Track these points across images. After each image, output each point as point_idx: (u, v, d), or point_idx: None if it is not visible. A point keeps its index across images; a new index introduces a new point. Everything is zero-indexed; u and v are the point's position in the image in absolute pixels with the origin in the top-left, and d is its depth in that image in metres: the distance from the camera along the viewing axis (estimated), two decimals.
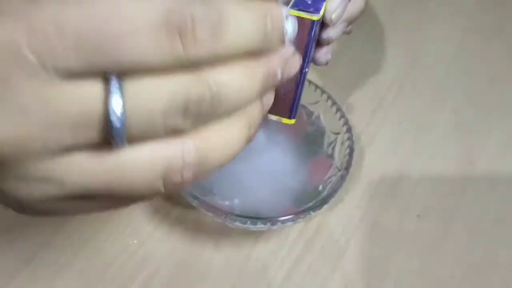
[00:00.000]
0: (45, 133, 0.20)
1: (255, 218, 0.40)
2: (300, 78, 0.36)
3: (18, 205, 0.23)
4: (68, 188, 0.22)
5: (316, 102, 0.47)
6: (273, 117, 0.37)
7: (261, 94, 0.24)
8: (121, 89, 0.20)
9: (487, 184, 0.49)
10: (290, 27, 0.24)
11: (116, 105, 0.20)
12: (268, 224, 0.40)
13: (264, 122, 0.32)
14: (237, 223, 0.40)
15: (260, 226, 0.40)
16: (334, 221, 0.47)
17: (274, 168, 0.46)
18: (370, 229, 0.46)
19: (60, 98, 0.20)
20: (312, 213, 0.41)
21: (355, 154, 0.48)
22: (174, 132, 0.22)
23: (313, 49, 0.36)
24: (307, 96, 0.48)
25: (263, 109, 0.25)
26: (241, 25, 0.22)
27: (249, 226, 0.40)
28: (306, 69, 0.36)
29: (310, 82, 0.48)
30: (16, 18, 0.19)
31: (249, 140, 0.24)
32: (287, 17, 0.24)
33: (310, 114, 0.48)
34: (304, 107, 0.48)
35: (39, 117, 0.20)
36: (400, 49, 0.57)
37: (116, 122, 0.20)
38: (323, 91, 0.47)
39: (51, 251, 0.43)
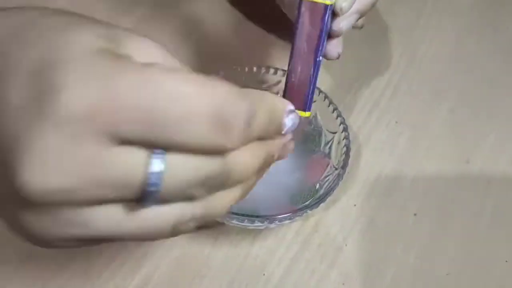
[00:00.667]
0: (91, 188, 0.23)
1: (253, 216, 0.40)
2: (314, 69, 0.36)
3: (33, 238, 0.26)
4: (92, 233, 0.24)
5: (313, 102, 0.48)
6: None
7: (260, 171, 0.28)
8: (164, 160, 0.23)
9: (483, 183, 0.50)
10: (290, 122, 0.28)
11: (157, 172, 0.23)
12: (266, 222, 0.41)
13: None
14: (235, 221, 0.41)
15: (257, 224, 0.41)
16: (331, 219, 0.47)
17: (272, 167, 0.47)
18: (367, 227, 0.47)
19: (110, 159, 0.22)
20: (309, 212, 0.42)
21: (352, 153, 0.48)
22: (189, 197, 0.25)
23: (326, 37, 0.36)
24: None
25: (257, 178, 0.29)
26: (261, 120, 0.26)
27: (246, 224, 0.41)
28: (320, 58, 0.36)
29: None
30: (98, 82, 0.22)
31: (240, 200, 0.29)
32: (289, 113, 0.28)
33: None
34: None
35: (91, 174, 0.22)
36: (397, 49, 0.58)
37: (153, 187, 0.23)
38: (320, 91, 0.47)
39: (49, 250, 0.44)
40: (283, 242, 0.46)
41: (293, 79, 0.37)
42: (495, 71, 0.57)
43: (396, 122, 0.53)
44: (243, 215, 0.40)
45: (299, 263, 0.45)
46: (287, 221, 0.41)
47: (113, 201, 0.24)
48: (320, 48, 0.36)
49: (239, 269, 0.44)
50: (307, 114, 0.38)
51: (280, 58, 0.56)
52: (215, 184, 0.25)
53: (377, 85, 0.55)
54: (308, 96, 0.37)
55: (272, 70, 0.48)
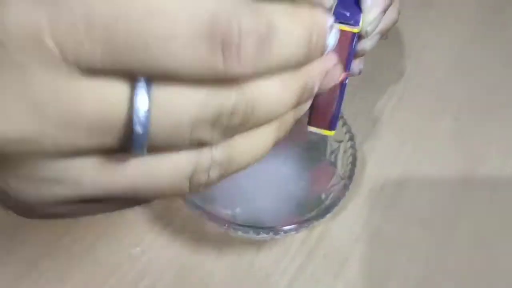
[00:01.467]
0: (58, 131, 0.18)
1: (258, 227, 0.40)
2: (341, 91, 0.36)
3: (24, 208, 0.22)
4: (85, 190, 0.20)
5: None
6: (313, 129, 0.38)
7: (296, 106, 0.23)
8: (148, 93, 0.18)
9: (489, 190, 0.49)
10: (333, 39, 0.23)
11: (141, 109, 0.18)
12: (271, 233, 0.40)
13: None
14: (240, 233, 0.40)
15: (262, 235, 0.40)
16: (336, 229, 0.47)
17: (276, 176, 0.46)
18: (373, 236, 0.46)
19: (78, 95, 0.18)
20: (315, 223, 0.41)
21: (357, 161, 0.48)
22: (199, 143, 0.20)
23: (352, 60, 0.37)
24: None
25: (296, 114, 0.24)
26: (288, 39, 0.20)
27: (251, 235, 0.40)
28: (346, 81, 0.36)
29: None
30: (41, 0, 0.17)
31: (278, 142, 0.23)
32: (331, 28, 0.23)
33: None
34: (305, 114, 0.48)
35: (53, 113, 0.18)
36: (401, 57, 0.57)
37: (139, 129, 0.18)
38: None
39: (51, 261, 0.43)
40: (288, 253, 0.45)
41: (319, 100, 0.37)
42: (499, 78, 0.57)
43: (401, 130, 0.52)
44: (248, 226, 0.39)
45: (304, 274, 0.44)
46: (292, 232, 0.41)
47: (92, 150, 0.19)
48: (348, 71, 0.37)
49: (243, 279, 0.44)
50: (332, 133, 0.38)
51: None
52: (232, 123, 0.20)
53: (381, 94, 0.54)
54: (334, 117, 0.38)
55: None
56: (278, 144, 0.25)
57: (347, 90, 0.36)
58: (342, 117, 0.46)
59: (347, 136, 0.45)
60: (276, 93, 0.21)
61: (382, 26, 0.40)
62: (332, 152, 0.46)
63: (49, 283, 0.42)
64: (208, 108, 0.19)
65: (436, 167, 0.50)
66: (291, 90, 0.22)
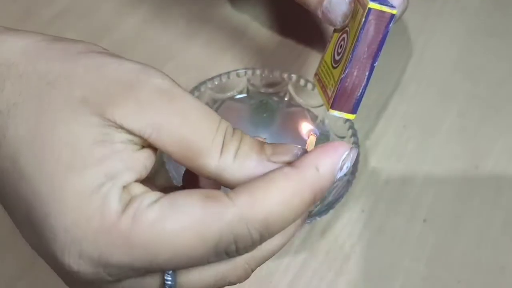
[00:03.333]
0: None
1: None
2: (369, 73, 0.37)
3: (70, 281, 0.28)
4: None
5: (320, 106, 0.47)
6: (335, 113, 0.38)
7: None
8: (174, 279, 0.27)
9: (494, 188, 0.49)
10: (348, 166, 0.27)
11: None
12: None
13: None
14: None
15: None
16: (339, 226, 0.46)
17: None
18: (376, 234, 0.46)
19: None
20: (318, 219, 0.41)
21: (360, 157, 0.48)
22: None
23: (385, 42, 0.37)
24: (311, 100, 0.47)
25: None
26: (284, 223, 0.26)
27: None
28: (376, 64, 0.37)
29: (314, 85, 0.47)
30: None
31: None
32: (350, 158, 0.27)
33: (314, 118, 0.48)
34: (308, 111, 0.48)
35: None
36: (404, 53, 0.57)
37: None
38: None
39: None
40: (290, 249, 0.45)
41: (347, 83, 0.37)
42: (504, 74, 0.56)
43: (404, 127, 0.52)
44: None
45: (306, 271, 0.44)
46: None
47: None
48: (379, 54, 0.37)
49: None
50: (353, 116, 0.38)
51: (286, 61, 0.55)
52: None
53: (384, 89, 0.54)
54: (359, 100, 0.38)
55: (277, 73, 0.48)
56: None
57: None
58: None
59: (350, 132, 0.44)
60: (277, 246, 0.31)
61: (400, 13, 0.41)
62: None
63: (49, 280, 0.42)
64: (219, 281, 0.29)
65: (440, 163, 0.50)
66: (289, 236, 0.31)
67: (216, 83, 0.47)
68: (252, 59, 0.55)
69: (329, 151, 0.27)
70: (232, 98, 0.48)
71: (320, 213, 0.40)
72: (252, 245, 0.26)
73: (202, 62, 0.55)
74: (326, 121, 0.47)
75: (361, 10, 0.37)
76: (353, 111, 0.38)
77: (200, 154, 0.26)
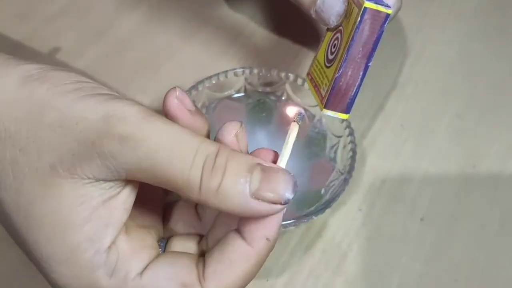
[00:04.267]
0: None
1: None
2: (363, 73, 0.37)
3: None
4: None
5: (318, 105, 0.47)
6: (329, 113, 0.38)
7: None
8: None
9: (491, 187, 0.49)
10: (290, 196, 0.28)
11: None
12: None
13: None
14: None
15: None
16: (335, 224, 0.46)
17: None
18: (373, 232, 0.46)
19: None
20: (315, 218, 0.41)
21: (357, 158, 0.48)
22: None
23: (380, 41, 0.37)
24: (309, 99, 0.47)
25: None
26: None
27: None
28: (370, 63, 0.37)
29: None
30: None
31: None
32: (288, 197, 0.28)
33: (311, 117, 0.48)
34: (305, 110, 0.48)
35: None
36: (401, 52, 0.57)
37: None
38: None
39: None
40: (287, 248, 0.45)
41: (341, 83, 0.37)
42: (501, 74, 0.56)
43: (402, 126, 0.52)
44: None
45: (303, 270, 0.44)
46: (291, 227, 0.41)
47: None
48: (373, 54, 0.37)
49: None
50: (347, 116, 0.38)
51: (283, 60, 0.55)
52: None
53: (381, 88, 0.54)
54: (353, 100, 0.38)
55: (275, 72, 0.48)
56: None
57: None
58: None
59: (347, 131, 0.44)
60: None
61: (393, 13, 0.41)
62: (331, 148, 0.46)
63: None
64: None
65: (438, 163, 0.50)
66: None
67: (214, 82, 0.47)
68: (249, 58, 0.56)
69: (274, 219, 0.29)
70: (229, 97, 0.48)
71: (317, 212, 0.40)
72: None
73: (200, 61, 0.55)
74: (323, 121, 0.47)
75: (356, 10, 0.37)
76: (347, 111, 0.38)
77: (179, 188, 0.27)
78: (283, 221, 0.39)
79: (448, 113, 0.53)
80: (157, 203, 0.32)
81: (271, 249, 0.29)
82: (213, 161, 0.27)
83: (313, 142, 0.47)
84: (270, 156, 0.30)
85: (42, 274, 0.28)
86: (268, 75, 0.48)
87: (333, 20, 0.39)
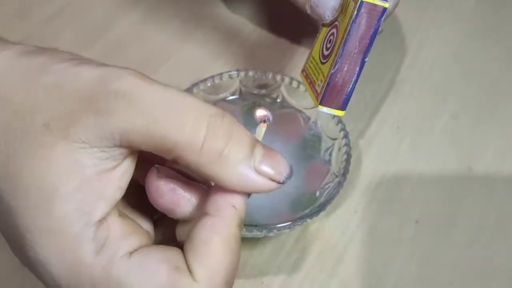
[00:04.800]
0: None
1: (251, 225, 0.40)
2: (360, 69, 0.37)
3: None
4: None
5: (313, 107, 0.47)
6: (324, 109, 0.38)
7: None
8: None
9: (486, 189, 0.49)
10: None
11: None
12: (264, 231, 0.40)
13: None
14: None
15: (256, 233, 0.40)
16: (331, 226, 0.46)
17: None
18: (368, 234, 0.46)
19: None
20: (309, 220, 0.41)
21: (352, 159, 0.48)
22: None
23: (377, 35, 0.37)
24: (304, 102, 0.48)
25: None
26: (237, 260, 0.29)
27: (244, 233, 0.40)
28: (366, 59, 0.37)
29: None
30: None
31: None
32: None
33: (307, 119, 0.48)
34: (300, 112, 0.48)
35: None
36: (398, 53, 0.57)
37: None
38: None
39: None
40: (282, 250, 0.45)
41: (337, 79, 0.37)
42: (498, 76, 0.56)
43: (398, 128, 0.52)
44: None
45: (299, 272, 0.44)
46: (286, 230, 0.41)
47: None
48: (369, 49, 0.37)
49: (237, 278, 0.43)
50: (343, 113, 0.38)
51: (279, 62, 0.55)
52: None
53: (377, 90, 0.54)
54: (349, 96, 0.38)
55: (270, 75, 0.48)
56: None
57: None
58: (336, 115, 0.46)
59: (342, 133, 0.45)
60: None
61: (391, 7, 0.42)
62: (326, 150, 0.46)
63: None
64: None
65: (433, 164, 0.50)
66: None
67: (209, 84, 0.47)
68: (246, 59, 0.56)
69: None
70: (224, 100, 0.48)
71: (311, 215, 0.41)
72: None
73: (197, 62, 0.56)
74: (319, 123, 0.47)
75: (352, 3, 0.37)
76: (343, 107, 0.38)
77: (177, 148, 0.26)
78: (278, 223, 0.40)
79: (444, 115, 0.53)
80: (150, 211, 0.32)
81: (240, 220, 0.28)
82: (219, 123, 0.26)
83: (308, 145, 0.47)
84: None
85: (21, 252, 0.27)
86: (264, 77, 0.48)
87: (328, 15, 0.39)
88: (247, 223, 0.40)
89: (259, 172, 0.27)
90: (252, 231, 0.40)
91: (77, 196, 0.25)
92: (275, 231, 0.40)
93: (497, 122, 0.53)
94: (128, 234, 0.27)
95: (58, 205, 0.25)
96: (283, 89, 0.48)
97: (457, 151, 0.51)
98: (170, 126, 0.26)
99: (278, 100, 0.49)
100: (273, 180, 0.27)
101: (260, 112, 0.32)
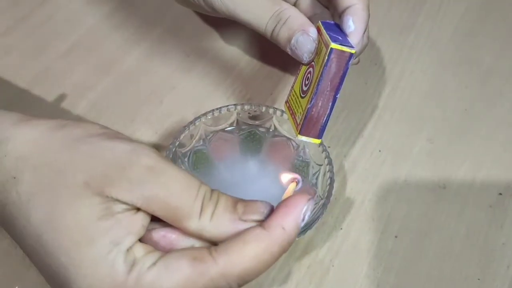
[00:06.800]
0: None
1: None
2: (332, 104, 0.43)
3: None
4: None
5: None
6: (303, 138, 0.44)
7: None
8: None
9: (458, 206, 0.54)
10: (309, 214, 0.34)
11: None
12: None
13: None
14: None
15: None
16: (319, 242, 0.52)
17: (265, 195, 0.50)
18: (352, 249, 0.52)
19: None
20: (297, 238, 0.46)
21: (339, 180, 0.54)
22: None
23: (345, 79, 0.43)
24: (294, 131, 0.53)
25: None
26: (259, 274, 0.34)
27: None
28: (338, 95, 0.43)
29: None
30: None
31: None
32: (309, 208, 0.34)
33: (296, 147, 0.53)
34: (291, 140, 0.54)
35: None
36: (380, 81, 0.62)
37: None
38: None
39: None
40: (276, 264, 0.50)
41: (313, 112, 0.43)
42: (470, 102, 0.61)
43: (379, 151, 0.58)
44: None
45: (290, 283, 0.50)
46: None
47: None
48: (340, 88, 0.43)
49: None
50: (319, 141, 0.45)
51: (272, 91, 0.61)
52: None
53: (361, 116, 0.60)
54: (324, 127, 0.44)
55: (263, 108, 0.53)
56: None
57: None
58: (322, 143, 0.51)
59: (326, 160, 0.50)
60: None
61: (359, 50, 0.47)
62: (314, 175, 0.52)
63: None
64: None
65: (411, 184, 0.55)
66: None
67: (209, 117, 0.52)
68: (243, 89, 0.61)
69: (291, 210, 0.34)
70: (223, 130, 0.54)
71: (299, 234, 0.46)
72: None
73: (199, 92, 0.61)
74: (307, 150, 0.53)
75: (324, 49, 0.43)
76: (319, 136, 0.44)
77: (183, 218, 0.33)
78: None
79: (421, 137, 0.59)
80: None
81: (287, 239, 0.33)
82: (210, 195, 0.34)
83: (297, 170, 0.52)
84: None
85: (61, 284, 0.32)
86: (258, 110, 0.53)
87: (305, 57, 0.45)
88: None
89: (245, 220, 0.34)
90: None
91: (111, 232, 0.32)
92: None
93: (469, 145, 0.58)
94: (151, 250, 0.33)
95: (97, 240, 0.32)
96: (275, 120, 0.54)
97: (432, 171, 0.57)
98: (182, 200, 0.33)
99: (271, 130, 0.54)
100: (259, 221, 0.34)
101: (286, 177, 0.39)
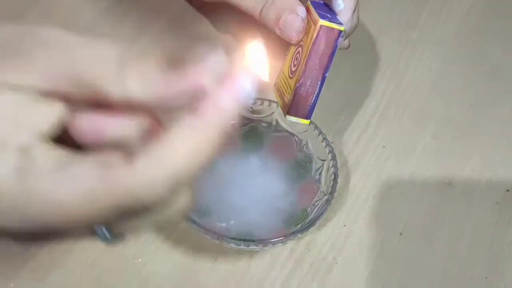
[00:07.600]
0: None
1: (248, 240, 0.44)
2: (321, 83, 0.42)
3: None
4: None
5: (305, 131, 0.52)
6: (292, 118, 0.43)
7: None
8: None
9: (464, 203, 0.53)
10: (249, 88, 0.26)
11: None
12: (260, 245, 0.44)
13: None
14: (232, 245, 0.45)
15: (252, 247, 0.45)
16: (322, 239, 0.51)
17: (267, 192, 0.51)
18: (356, 246, 0.51)
19: None
20: (299, 235, 0.45)
21: (342, 177, 0.52)
22: None
23: (334, 57, 0.42)
24: (296, 126, 0.52)
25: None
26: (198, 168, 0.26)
27: (242, 247, 0.44)
28: (327, 74, 0.42)
29: None
30: None
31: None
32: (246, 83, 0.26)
33: (299, 142, 0.52)
34: (293, 135, 0.53)
35: None
36: (383, 78, 0.61)
37: None
38: (310, 122, 0.51)
39: (55, 272, 0.47)
40: (278, 261, 0.49)
41: (301, 92, 0.42)
42: (475, 98, 0.61)
43: (383, 147, 0.56)
44: (239, 239, 0.44)
45: (293, 281, 0.49)
46: (279, 244, 0.45)
47: None
48: (329, 66, 0.42)
49: (238, 286, 0.48)
50: (307, 122, 0.43)
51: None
52: None
53: (365, 113, 0.59)
54: (312, 107, 0.43)
55: (266, 103, 0.52)
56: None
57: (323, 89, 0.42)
58: (325, 138, 0.50)
59: (330, 155, 0.49)
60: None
61: (348, 29, 0.46)
62: (317, 170, 0.51)
63: None
64: None
65: (416, 181, 0.54)
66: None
67: None
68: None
69: (225, 84, 0.26)
70: None
71: (302, 230, 0.45)
72: (163, 201, 0.26)
73: None
74: (310, 145, 0.52)
75: (313, 27, 0.42)
76: (308, 116, 0.43)
77: (101, 86, 0.26)
78: (273, 238, 0.44)
79: (426, 134, 0.58)
80: None
81: (223, 117, 0.26)
82: (132, 55, 0.27)
83: (300, 166, 0.51)
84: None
85: None
86: (260, 104, 0.52)
87: (294, 36, 0.44)
88: (246, 238, 0.44)
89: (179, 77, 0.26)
90: (249, 246, 0.44)
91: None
92: (269, 245, 0.45)
93: (474, 141, 0.57)
94: (58, 153, 0.26)
95: None
96: (277, 115, 0.53)
97: (437, 167, 0.56)
98: (91, 67, 0.26)
99: (273, 124, 0.53)
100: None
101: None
